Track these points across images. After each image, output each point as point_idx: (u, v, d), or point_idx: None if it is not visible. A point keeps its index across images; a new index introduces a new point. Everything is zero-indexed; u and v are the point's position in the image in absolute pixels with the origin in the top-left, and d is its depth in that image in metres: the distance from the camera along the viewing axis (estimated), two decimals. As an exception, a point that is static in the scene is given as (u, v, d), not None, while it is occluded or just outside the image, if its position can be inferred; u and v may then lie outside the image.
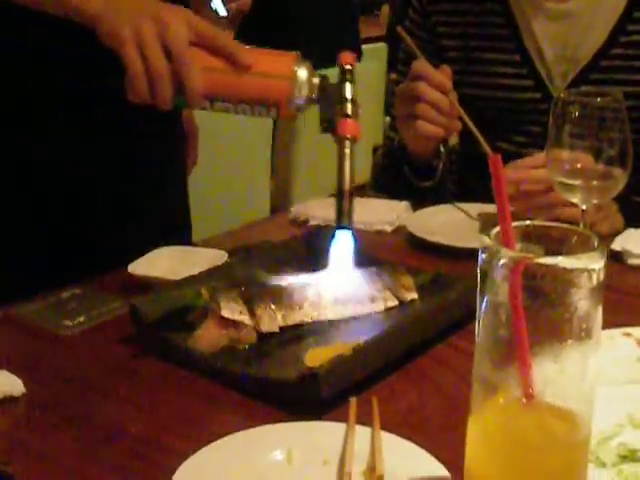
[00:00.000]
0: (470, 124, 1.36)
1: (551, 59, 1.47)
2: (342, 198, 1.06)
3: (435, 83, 1.36)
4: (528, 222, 0.62)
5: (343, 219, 1.06)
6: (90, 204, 1.30)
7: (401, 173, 1.50)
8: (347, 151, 1.07)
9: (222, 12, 4.02)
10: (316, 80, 1.07)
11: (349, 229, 1.06)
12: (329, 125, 1.08)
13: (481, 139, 1.33)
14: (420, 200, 1.47)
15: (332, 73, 1.11)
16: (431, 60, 1.40)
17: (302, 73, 1.06)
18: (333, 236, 1.06)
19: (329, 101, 1.08)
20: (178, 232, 1.43)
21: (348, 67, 1.10)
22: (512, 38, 1.49)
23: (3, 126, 1.24)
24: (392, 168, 1.54)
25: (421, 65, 1.37)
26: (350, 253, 1.07)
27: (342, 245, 1.06)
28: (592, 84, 1.42)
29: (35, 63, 1.23)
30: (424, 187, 1.48)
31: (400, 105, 1.42)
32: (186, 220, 1.51)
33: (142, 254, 1.16)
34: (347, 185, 1.06)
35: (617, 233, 1.27)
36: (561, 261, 0.57)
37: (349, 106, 1.08)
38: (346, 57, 1.11)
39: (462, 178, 1.63)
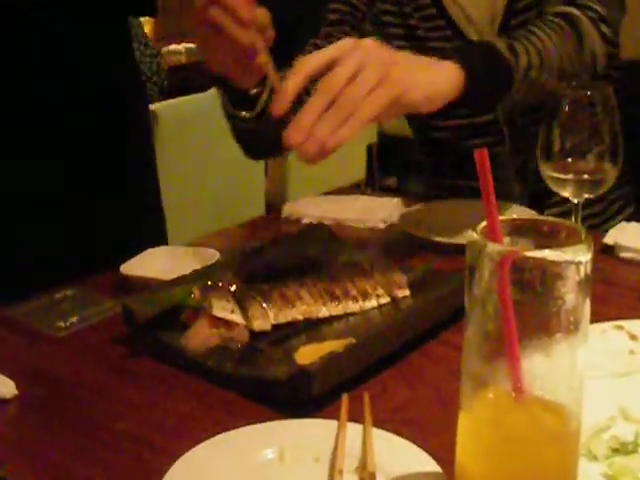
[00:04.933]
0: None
1: (477, 20, 1.45)
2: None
3: None
4: (515, 216, 0.62)
5: None
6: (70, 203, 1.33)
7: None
8: None
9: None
10: None
11: None
12: None
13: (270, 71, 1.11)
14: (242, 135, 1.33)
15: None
16: None
17: None
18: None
19: None
20: (151, 228, 1.46)
21: None
22: (439, 15, 1.48)
23: None
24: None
25: None
26: None
27: None
28: (514, 29, 1.40)
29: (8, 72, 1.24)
30: (243, 118, 1.25)
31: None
32: (160, 216, 1.53)
33: (118, 251, 1.16)
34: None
35: (428, 100, 1.06)
36: (548, 254, 0.57)
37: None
38: None
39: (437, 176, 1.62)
